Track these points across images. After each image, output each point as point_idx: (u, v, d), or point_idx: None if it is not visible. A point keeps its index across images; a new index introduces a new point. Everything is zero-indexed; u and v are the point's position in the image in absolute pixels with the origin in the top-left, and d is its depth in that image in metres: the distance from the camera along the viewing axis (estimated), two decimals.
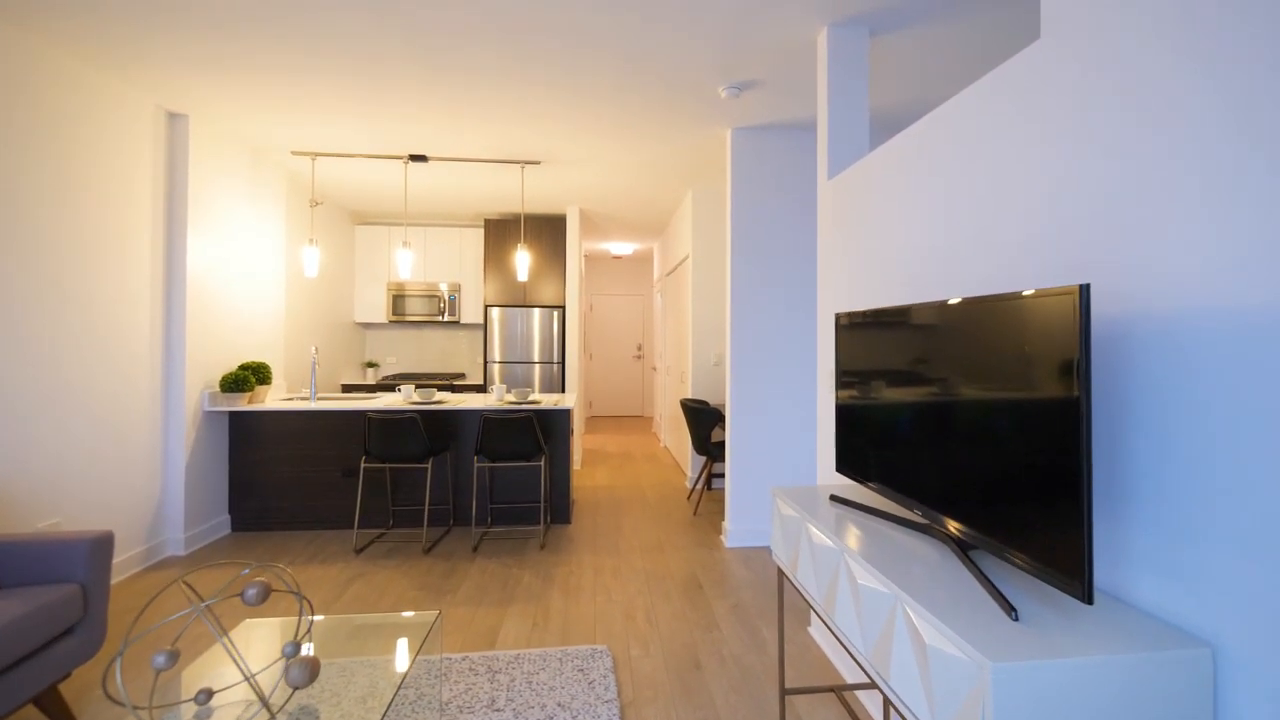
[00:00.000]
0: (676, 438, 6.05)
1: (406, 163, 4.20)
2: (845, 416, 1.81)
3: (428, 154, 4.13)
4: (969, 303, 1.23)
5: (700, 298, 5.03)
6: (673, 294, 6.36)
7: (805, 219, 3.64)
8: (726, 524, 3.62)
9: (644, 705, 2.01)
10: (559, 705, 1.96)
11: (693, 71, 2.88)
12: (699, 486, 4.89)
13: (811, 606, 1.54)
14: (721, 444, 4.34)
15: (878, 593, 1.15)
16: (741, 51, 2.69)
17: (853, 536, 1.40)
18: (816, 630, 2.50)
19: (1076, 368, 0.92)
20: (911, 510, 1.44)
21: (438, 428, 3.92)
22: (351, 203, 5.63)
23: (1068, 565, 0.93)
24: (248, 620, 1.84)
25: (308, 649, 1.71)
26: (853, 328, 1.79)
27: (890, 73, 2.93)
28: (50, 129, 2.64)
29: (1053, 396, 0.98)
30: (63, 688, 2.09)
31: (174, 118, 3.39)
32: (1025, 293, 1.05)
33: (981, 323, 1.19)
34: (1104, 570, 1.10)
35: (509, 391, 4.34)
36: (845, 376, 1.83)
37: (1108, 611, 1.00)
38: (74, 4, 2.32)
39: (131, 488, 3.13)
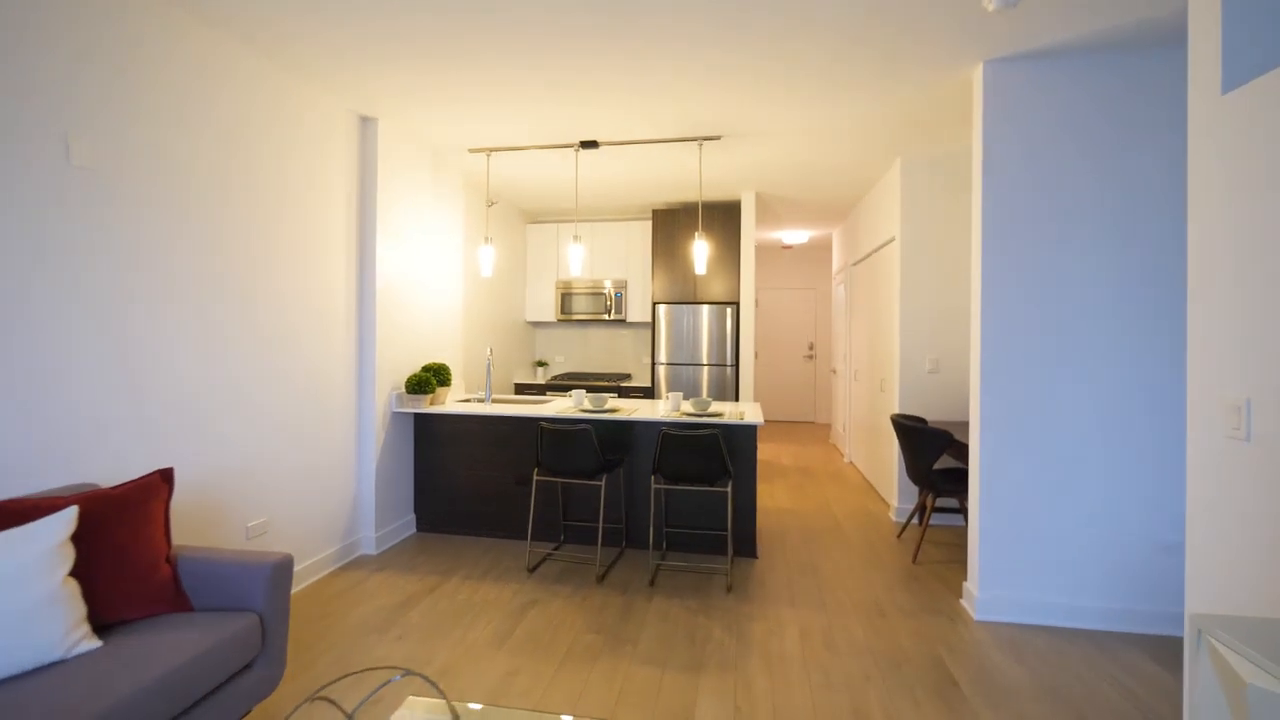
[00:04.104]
0: (868, 454, 5.12)
1: (577, 150, 3.91)
2: None
3: (598, 139, 3.79)
4: None
5: (911, 290, 4.09)
6: (864, 285, 5.42)
7: (1102, 179, 2.59)
8: (972, 588, 2.74)
9: None
10: None
11: None
12: (917, 525, 3.98)
13: None
14: (948, 474, 3.41)
15: None
16: None
17: None
18: None
19: None
20: None
21: (611, 439, 3.56)
22: (523, 201, 5.60)
23: None
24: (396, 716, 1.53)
25: None
26: None
27: None
28: (255, 135, 2.69)
29: None
30: None
31: (365, 122, 3.42)
32: None
33: None
34: None
35: (686, 400, 3.86)
36: None
37: None
38: (287, 19, 2.26)
39: (329, 487, 3.20)
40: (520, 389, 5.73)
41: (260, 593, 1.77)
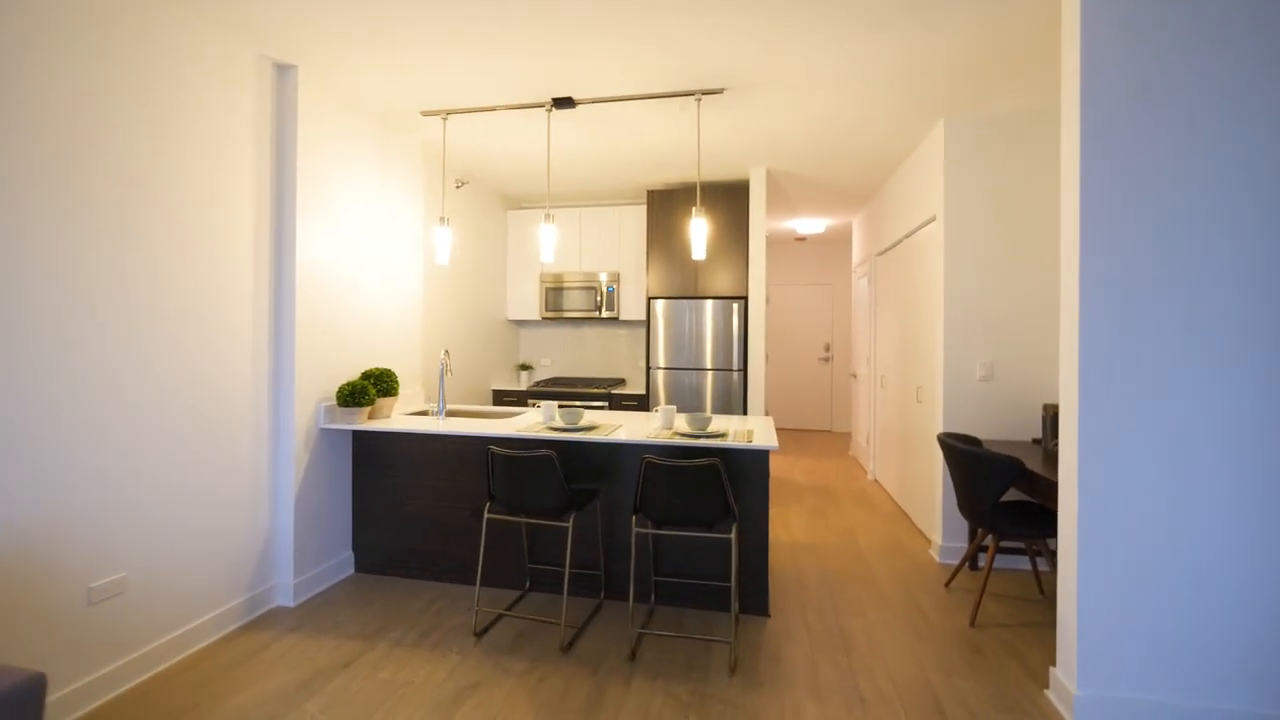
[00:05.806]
0: (899, 473, 4.39)
1: (549, 110, 3.22)
2: None
3: (574, 95, 3.11)
4: None
5: (958, 280, 3.36)
6: (893, 277, 4.68)
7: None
8: (1065, 680, 2.01)
9: None
10: None
11: None
12: (976, 574, 3.24)
13: None
14: (1014, 510, 2.68)
15: None
16: None
17: None
18: None
19: None
20: None
21: (585, 464, 2.87)
22: (501, 184, 4.93)
23: None
24: None
25: None
26: None
27: None
28: (124, 80, 2.03)
29: None
30: None
31: (281, 70, 2.76)
32: None
33: None
34: None
35: (681, 415, 3.17)
36: None
37: None
38: None
39: (226, 525, 2.53)
40: (499, 397, 5.06)
41: None
